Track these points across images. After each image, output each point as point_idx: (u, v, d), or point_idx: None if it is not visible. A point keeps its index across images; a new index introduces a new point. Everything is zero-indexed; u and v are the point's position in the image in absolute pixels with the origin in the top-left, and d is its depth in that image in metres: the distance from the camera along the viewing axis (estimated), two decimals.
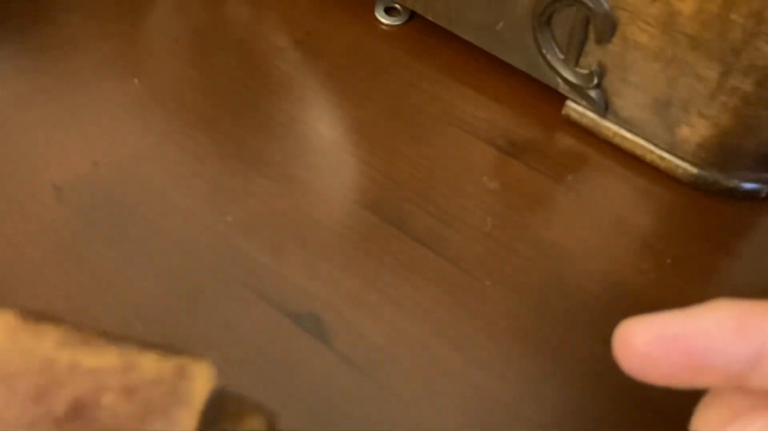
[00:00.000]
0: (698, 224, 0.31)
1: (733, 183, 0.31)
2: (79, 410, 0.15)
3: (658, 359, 0.17)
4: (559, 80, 0.32)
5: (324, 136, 0.33)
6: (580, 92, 0.32)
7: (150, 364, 0.16)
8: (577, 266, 0.29)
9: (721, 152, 0.30)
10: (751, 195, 0.31)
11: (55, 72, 0.34)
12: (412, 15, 0.37)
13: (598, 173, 0.32)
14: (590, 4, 0.28)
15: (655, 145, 0.31)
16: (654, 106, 0.30)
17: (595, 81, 0.31)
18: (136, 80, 0.34)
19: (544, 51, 0.31)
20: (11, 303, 0.27)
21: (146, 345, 0.16)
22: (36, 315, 0.17)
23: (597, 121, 0.32)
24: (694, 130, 0.29)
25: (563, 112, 0.33)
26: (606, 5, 0.28)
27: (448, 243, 0.29)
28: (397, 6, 0.37)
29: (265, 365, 0.26)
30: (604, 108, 0.32)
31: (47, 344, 0.16)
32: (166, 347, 0.16)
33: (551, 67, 0.32)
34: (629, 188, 0.31)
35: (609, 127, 0.32)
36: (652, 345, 0.17)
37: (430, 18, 0.35)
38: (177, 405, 0.15)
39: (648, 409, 0.26)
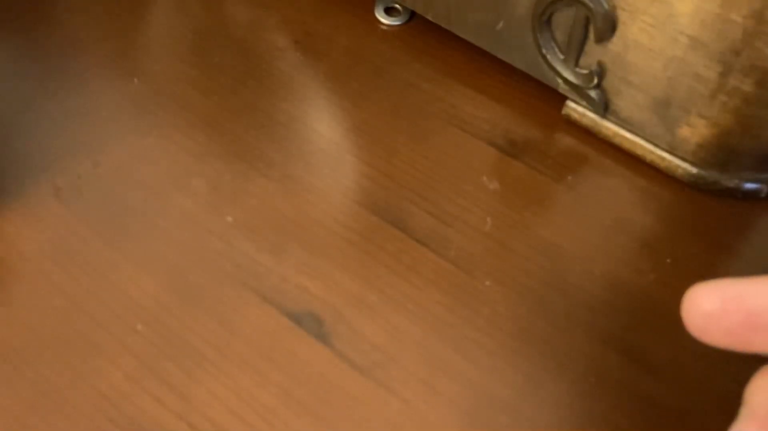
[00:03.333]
0: (698, 224, 0.31)
1: (733, 183, 0.31)
2: None
3: (719, 318, 0.18)
4: (559, 80, 0.32)
5: (324, 136, 0.33)
6: (580, 92, 0.32)
7: None
8: (577, 266, 0.29)
9: (721, 152, 0.30)
10: (751, 195, 0.31)
11: (55, 72, 0.34)
12: (412, 15, 0.37)
13: (598, 173, 0.32)
14: (590, 4, 0.28)
15: (655, 145, 0.31)
16: (654, 106, 0.30)
17: (595, 81, 0.31)
18: (136, 80, 0.34)
19: (544, 51, 0.31)
20: (11, 303, 0.27)
21: None
22: None
23: (597, 121, 0.32)
24: (694, 130, 0.29)
25: (563, 112, 0.33)
26: (606, 5, 0.28)
27: (448, 243, 0.29)
28: (397, 6, 0.37)
29: (265, 365, 0.26)
30: (604, 108, 0.32)
31: None
32: None
33: (551, 67, 0.32)
34: (629, 188, 0.31)
35: (609, 127, 0.32)
36: (715, 304, 0.18)
37: (430, 18, 0.35)
38: None
39: (649, 409, 0.26)
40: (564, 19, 0.30)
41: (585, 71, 0.31)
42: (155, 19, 0.37)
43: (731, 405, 0.20)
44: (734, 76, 0.27)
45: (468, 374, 0.26)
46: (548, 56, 0.32)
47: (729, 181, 0.31)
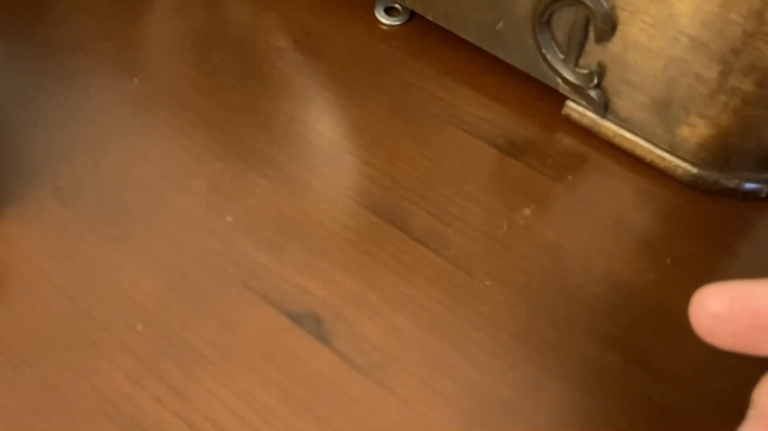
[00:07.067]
0: (698, 224, 0.31)
1: (733, 183, 0.31)
2: None
3: (727, 319, 0.18)
4: (559, 80, 0.32)
5: (324, 136, 0.33)
6: (580, 92, 0.32)
7: None
8: (577, 266, 0.29)
9: (721, 152, 0.30)
10: (751, 195, 0.31)
11: (55, 72, 0.34)
12: (412, 15, 0.37)
13: (598, 173, 0.32)
14: (590, 4, 0.28)
15: (655, 145, 0.31)
16: (654, 106, 0.30)
17: (595, 81, 0.31)
18: (136, 80, 0.34)
19: (544, 51, 0.31)
20: (11, 303, 0.27)
21: None
22: None
23: (597, 121, 0.32)
24: (694, 130, 0.29)
25: (563, 112, 0.33)
26: (606, 5, 0.28)
27: (448, 243, 0.29)
28: (397, 6, 0.37)
29: (265, 365, 0.26)
30: (604, 108, 0.32)
31: None
32: None
33: (551, 67, 0.32)
34: (629, 188, 0.31)
35: (609, 127, 0.32)
36: (723, 305, 0.18)
37: (430, 18, 0.35)
38: None
39: (648, 409, 0.26)
40: (564, 19, 0.30)
41: (585, 71, 0.31)
42: (155, 19, 0.37)
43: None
44: (734, 76, 0.27)
45: (468, 374, 0.26)
46: (548, 56, 0.32)
47: (729, 181, 0.31)
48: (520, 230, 0.30)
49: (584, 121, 0.33)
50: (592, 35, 0.30)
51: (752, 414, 0.18)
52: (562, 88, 0.32)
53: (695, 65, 0.28)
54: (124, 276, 0.28)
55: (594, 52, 0.30)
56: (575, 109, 0.33)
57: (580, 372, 0.26)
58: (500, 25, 0.32)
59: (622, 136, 0.32)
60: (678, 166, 0.31)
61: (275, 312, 0.27)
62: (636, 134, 0.31)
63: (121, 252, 0.29)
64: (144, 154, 0.31)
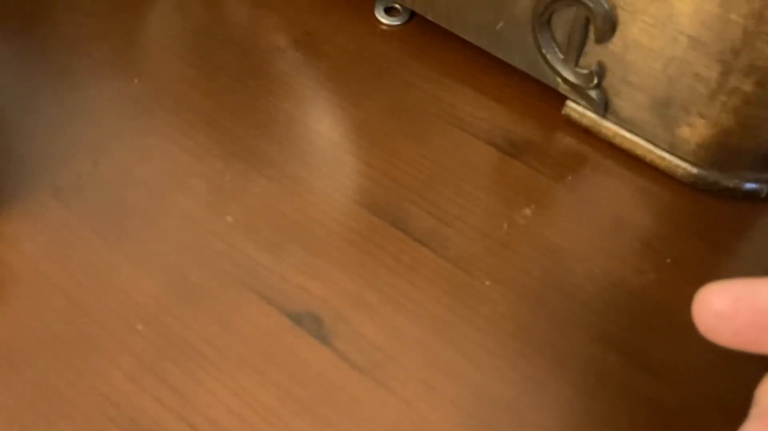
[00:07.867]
0: (698, 224, 0.31)
1: (733, 183, 0.31)
2: None
3: (729, 317, 0.18)
4: (559, 80, 0.32)
5: (324, 136, 0.33)
6: (580, 92, 0.32)
7: None
8: (577, 266, 0.29)
9: (721, 152, 0.30)
10: (751, 195, 0.31)
11: (55, 72, 0.34)
12: (412, 15, 0.37)
13: (598, 173, 0.32)
14: (590, 4, 0.28)
15: (655, 145, 0.31)
16: (654, 106, 0.30)
17: (595, 81, 0.31)
18: (136, 80, 0.34)
19: (544, 51, 0.31)
20: (11, 303, 0.27)
21: None
22: None
23: (597, 121, 0.32)
24: (694, 130, 0.29)
25: (563, 112, 0.33)
26: (606, 5, 0.28)
27: (448, 243, 0.29)
28: (397, 6, 0.37)
29: (265, 365, 0.26)
30: (604, 108, 0.32)
31: None
32: None
33: (551, 67, 0.32)
34: (629, 188, 0.31)
35: (609, 127, 0.32)
36: (726, 304, 0.18)
37: (430, 18, 0.35)
38: None
39: (649, 409, 0.26)
40: (564, 19, 0.30)
41: (585, 71, 0.31)
42: (155, 19, 0.37)
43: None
44: (734, 76, 0.27)
45: (468, 374, 0.26)
46: (548, 56, 0.32)
47: (729, 181, 0.31)
48: (520, 230, 0.30)
49: (584, 121, 0.33)
50: (592, 35, 0.30)
51: (754, 412, 0.18)
52: (562, 88, 0.32)
53: (695, 65, 0.28)
54: (124, 276, 0.28)
55: (594, 52, 0.30)
56: (575, 109, 0.33)
57: (580, 372, 0.26)
58: (500, 25, 0.32)
59: (623, 136, 0.32)
60: (678, 166, 0.31)
61: (275, 312, 0.27)
62: (636, 134, 0.31)
63: (121, 252, 0.29)
64: (144, 154, 0.31)
